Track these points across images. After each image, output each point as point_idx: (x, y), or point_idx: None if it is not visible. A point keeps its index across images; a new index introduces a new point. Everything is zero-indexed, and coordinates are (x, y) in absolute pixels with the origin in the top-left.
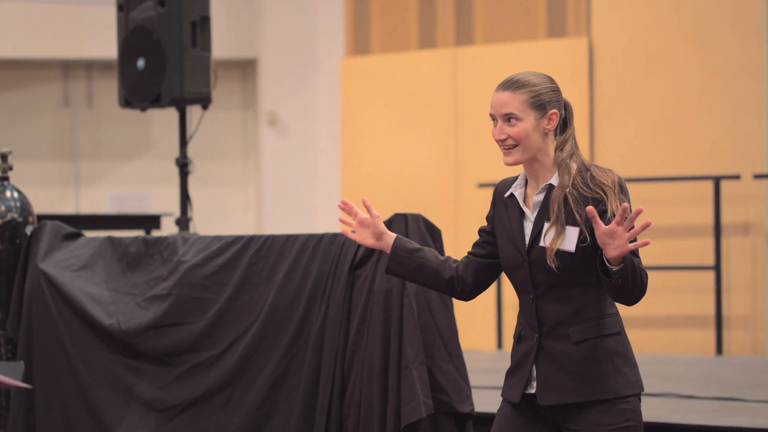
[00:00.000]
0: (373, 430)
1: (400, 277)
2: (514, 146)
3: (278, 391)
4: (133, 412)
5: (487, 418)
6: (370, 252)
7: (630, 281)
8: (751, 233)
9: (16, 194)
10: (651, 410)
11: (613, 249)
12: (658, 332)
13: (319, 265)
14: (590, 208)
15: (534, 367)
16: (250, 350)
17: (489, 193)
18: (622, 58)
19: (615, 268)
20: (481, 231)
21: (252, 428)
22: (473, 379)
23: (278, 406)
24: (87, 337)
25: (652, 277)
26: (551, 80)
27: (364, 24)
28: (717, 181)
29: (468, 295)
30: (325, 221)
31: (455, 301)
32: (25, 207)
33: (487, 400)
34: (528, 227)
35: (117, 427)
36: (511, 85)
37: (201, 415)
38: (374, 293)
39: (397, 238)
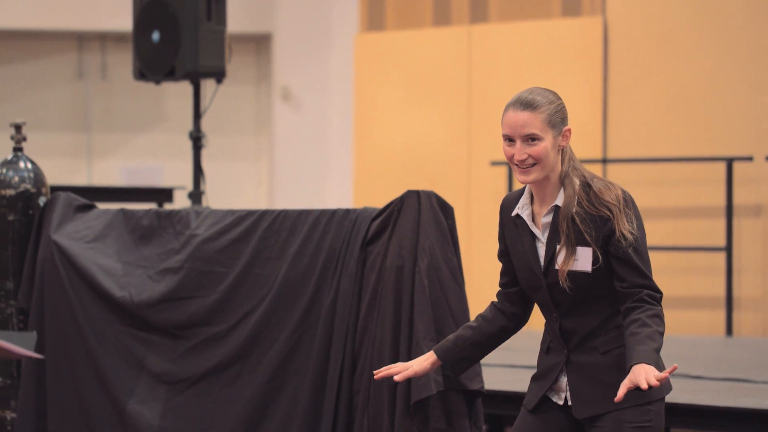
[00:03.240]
0: (383, 406)
1: (469, 368)
2: (533, 165)
3: (289, 365)
4: (143, 384)
5: (496, 396)
6: (383, 228)
7: None
8: (763, 215)
9: (29, 165)
10: None
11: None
12: (669, 312)
13: (332, 241)
14: (619, 396)
15: (560, 378)
16: (262, 324)
17: (502, 172)
18: (636, 38)
19: None
20: (500, 257)
21: (262, 402)
22: None
23: (288, 380)
24: (98, 309)
25: (664, 258)
26: (558, 96)
27: (379, 0)
28: (729, 162)
29: (525, 319)
30: (337, 197)
31: (466, 277)
32: (38, 178)
33: (496, 377)
34: (541, 249)
35: (127, 398)
36: (528, 105)
37: (211, 389)
38: (386, 269)
39: (434, 350)
